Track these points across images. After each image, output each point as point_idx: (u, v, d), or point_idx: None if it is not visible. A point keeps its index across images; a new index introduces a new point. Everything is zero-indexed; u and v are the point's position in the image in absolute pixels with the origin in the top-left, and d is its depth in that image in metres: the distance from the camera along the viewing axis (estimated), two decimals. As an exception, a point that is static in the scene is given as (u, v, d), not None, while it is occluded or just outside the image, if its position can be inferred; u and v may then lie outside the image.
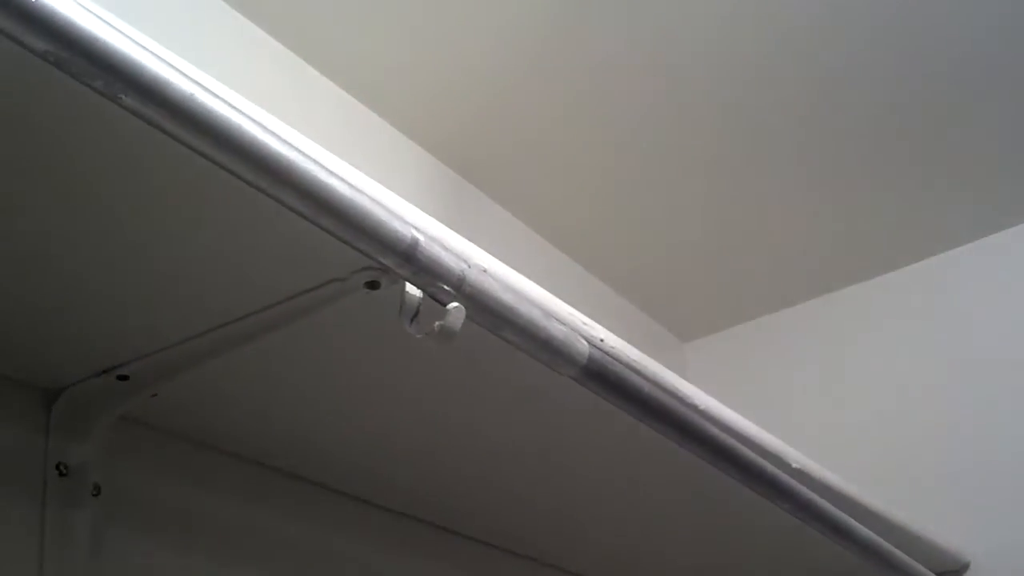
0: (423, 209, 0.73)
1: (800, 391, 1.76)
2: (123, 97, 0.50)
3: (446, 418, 0.93)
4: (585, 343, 0.75)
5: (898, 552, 1.13)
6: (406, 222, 0.63)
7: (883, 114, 1.45)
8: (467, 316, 0.67)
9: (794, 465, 1.06)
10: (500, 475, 1.04)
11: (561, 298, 0.83)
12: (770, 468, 0.91)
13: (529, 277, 0.80)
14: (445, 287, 0.66)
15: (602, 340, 0.85)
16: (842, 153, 1.52)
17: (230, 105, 0.53)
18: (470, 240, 0.76)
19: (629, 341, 0.89)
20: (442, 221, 0.74)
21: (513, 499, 1.10)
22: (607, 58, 1.36)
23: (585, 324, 0.84)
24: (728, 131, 1.48)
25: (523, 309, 0.70)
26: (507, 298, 0.69)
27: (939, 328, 1.65)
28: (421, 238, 0.63)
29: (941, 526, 1.43)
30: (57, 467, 0.80)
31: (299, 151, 0.57)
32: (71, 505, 0.79)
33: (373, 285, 0.73)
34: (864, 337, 1.73)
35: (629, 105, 1.43)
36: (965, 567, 1.47)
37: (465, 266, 0.67)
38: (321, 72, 1.33)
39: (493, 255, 0.77)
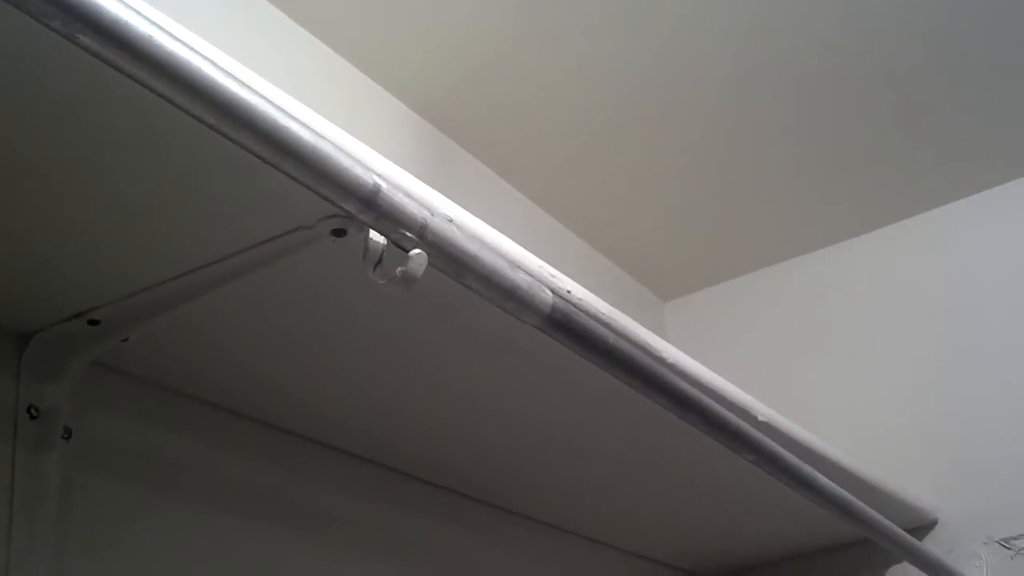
0: (407, 167, 0.74)
1: (780, 350, 1.77)
2: (81, 37, 0.51)
3: (416, 366, 0.94)
4: (549, 292, 0.76)
5: (865, 506, 1.15)
6: (368, 168, 0.63)
7: (868, 71, 1.45)
8: (429, 263, 0.67)
9: (760, 418, 1.07)
10: (466, 422, 1.05)
11: (543, 256, 0.84)
12: (734, 419, 0.92)
13: (511, 235, 0.82)
14: (407, 234, 0.66)
15: (569, 292, 0.86)
16: (825, 111, 1.52)
17: (189, 47, 0.54)
18: (453, 199, 0.77)
19: (610, 300, 0.91)
20: (425, 179, 0.75)
21: (477, 447, 1.11)
22: (592, 18, 1.36)
23: (553, 276, 0.85)
24: (712, 90, 1.48)
25: (486, 258, 0.71)
26: (470, 246, 0.70)
27: (915, 288, 1.67)
28: (383, 184, 0.64)
29: (912, 484, 1.45)
30: (28, 410, 0.81)
31: (260, 95, 0.57)
32: (41, 447, 0.80)
33: (339, 233, 0.74)
34: (843, 296, 1.74)
35: (614, 65, 1.43)
36: (933, 523, 1.49)
37: (428, 214, 0.67)
38: (304, 28, 1.33)
39: (474, 212, 0.78)
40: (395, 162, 0.73)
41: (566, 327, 0.78)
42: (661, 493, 1.29)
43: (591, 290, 0.89)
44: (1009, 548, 1.43)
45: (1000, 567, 1.42)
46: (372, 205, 0.63)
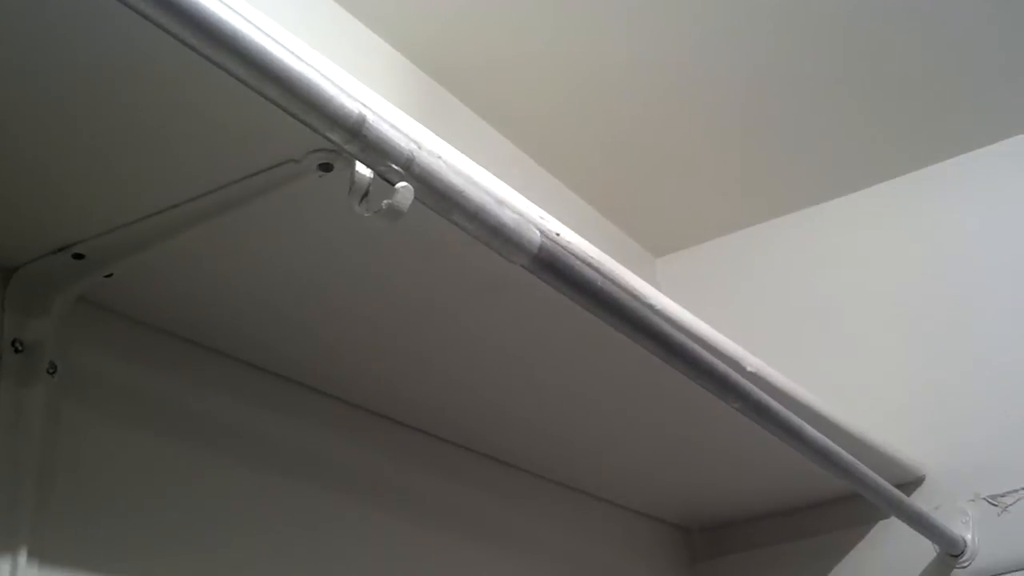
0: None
1: (772, 306, 1.77)
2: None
3: (404, 304, 0.94)
4: (537, 232, 0.75)
5: (853, 460, 1.15)
6: (354, 98, 0.63)
7: (866, 27, 1.44)
8: (416, 197, 0.67)
9: (749, 368, 1.07)
10: (452, 363, 1.05)
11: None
12: (721, 366, 0.92)
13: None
14: (394, 166, 0.66)
15: (558, 234, 0.86)
16: (823, 62, 1.51)
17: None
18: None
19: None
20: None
21: (462, 388, 1.11)
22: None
23: (542, 218, 0.85)
24: (709, 40, 1.47)
25: (474, 194, 0.70)
26: (457, 181, 0.69)
27: (910, 245, 1.67)
28: (369, 115, 0.63)
29: (900, 440, 1.45)
30: (12, 344, 0.80)
31: (245, 19, 0.57)
32: (26, 382, 0.80)
33: (327, 167, 0.73)
34: (836, 253, 1.74)
35: (608, 15, 1.42)
36: (920, 479, 1.50)
37: (415, 147, 0.67)
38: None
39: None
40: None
41: (554, 268, 0.77)
42: (651, 447, 1.30)
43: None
44: (996, 505, 1.43)
45: (986, 523, 1.43)
46: (357, 135, 0.63)
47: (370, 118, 0.63)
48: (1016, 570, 1.39)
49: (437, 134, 0.76)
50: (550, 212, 0.86)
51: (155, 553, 0.87)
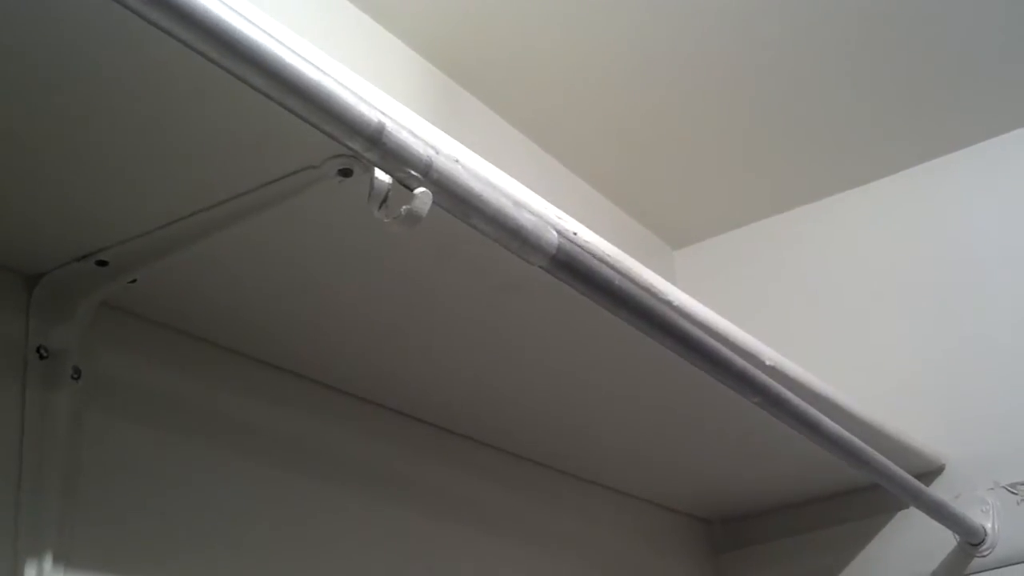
0: (412, 109, 0.73)
1: (791, 298, 1.77)
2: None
3: (423, 307, 0.95)
4: (555, 233, 0.76)
5: (872, 451, 1.16)
6: (372, 106, 0.63)
7: (879, 20, 1.44)
8: (434, 202, 0.68)
9: (767, 362, 1.07)
10: (471, 361, 1.06)
11: (550, 201, 0.84)
12: (740, 361, 0.93)
13: (517, 179, 0.81)
14: (412, 172, 0.66)
15: (575, 233, 0.86)
16: (836, 59, 1.51)
17: (192, -18, 0.53)
18: (458, 141, 0.77)
19: (619, 247, 0.91)
20: (430, 122, 0.75)
21: (482, 386, 1.11)
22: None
23: (559, 218, 0.85)
24: (724, 36, 1.47)
25: (491, 197, 0.71)
26: (475, 185, 0.70)
27: (926, 235, 1.67)
28: (388, 122, 0.64)
29: (919, 430, 1.45)
30: (37, 350, 0.81)
31: (264, 31, 0.57)
32: (51, 387, 0.81)
33: (346, 173, 0.74)
34: (854, 243, 1.74)
35: (623, 6, 1.41)
36: (940, 469, 1.50)
37: (433, 152, 0.67)
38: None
39: (480, 156, 0.78)
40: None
41: (572, 268, 0.78)
42: (672, 440, 1.30)
43: (604, 239, 0.89)
44: (1015, 493, 1.43)
45: (1006, 512, 1.43)
46: (377, 143, 0.63)
47: (389, 126, 0.64)
48: (1036, 558, 1.39)
49: (453, 131, 0.77)
50: (566, 207, 0.86)
51: (180, 555, 0.88)
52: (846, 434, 1.10)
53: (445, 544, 1.16)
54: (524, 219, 0.73)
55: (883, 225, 1.72)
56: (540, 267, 0.76)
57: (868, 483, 1.42)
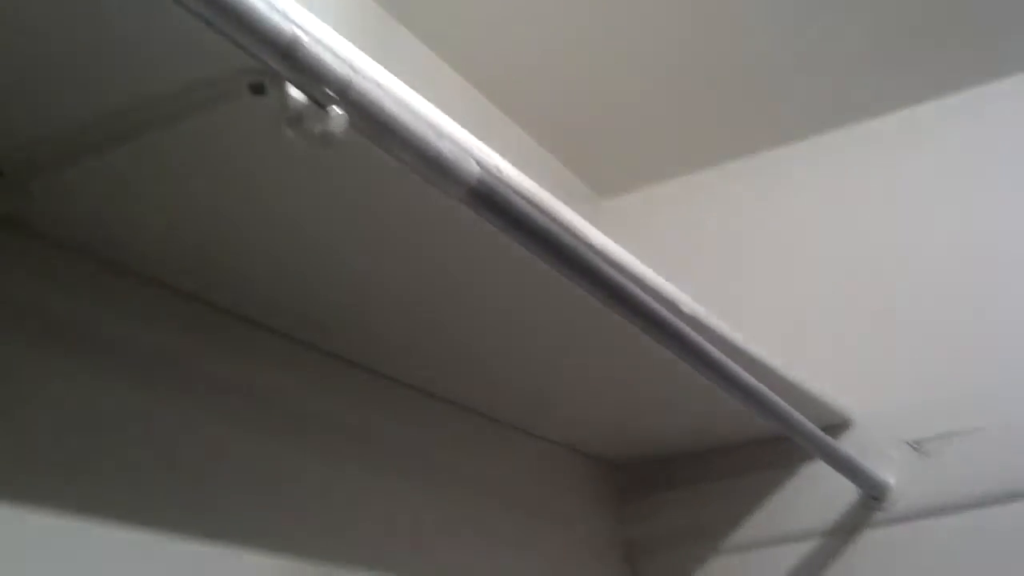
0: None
1: (716, 251, 1.78)
2: None
3: (334, 234, 0.92)
4: (475, 164, 0.73)
5: (781, 401, 1.16)
6: (288, 18, 0.60)
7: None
8: (350, 124, 0.65)
9: (685, 310, 1.07)
10: (383, 295, 1.03)
11: (480, 141, 0.82)
12: (659, 308, 0.92)
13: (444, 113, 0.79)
14: (328, 91, 0.63)
15: (498, 168, 0.84)
16: (773, 8, 1.50)
17: None
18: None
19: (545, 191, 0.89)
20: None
21: (393, 320, 1.09)
22: None
23: (481, 151, 0.83)
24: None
25: (411, 123, 0.68)
26: (395, 110, 0.67)
27: (853, 195, 1.69)
28: (303, 36, 0.61)
29: (830, 385, 1.47)
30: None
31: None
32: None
33: (258, 89, 0.70)
34: (784, 200, 1.75)
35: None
36: (847, 424, 1.52)
37: (351, 71, 0.64)
38: None
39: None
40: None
41: (492, 202, 0.76)
42: (581, 381, 1.29)
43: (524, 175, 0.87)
44: (917, 449, 1.46)
45: (908, 467, 1.46)
46: (289, 56, 0.60)
47: (304, 39, 0.61)
48: (935, 514, 1.42)
49: (380, 62, 0.74)
50: (494, 147, 0.84)
51: (75, 480, 0.85)
52: (755, 382, 1.10)
53: (343, 484, 1.13)
54: (444, 148, 0.71)
55: (812, 183, 1.73)
56: (459, 200, 0.74)
57: (776, 434, 1.44)
